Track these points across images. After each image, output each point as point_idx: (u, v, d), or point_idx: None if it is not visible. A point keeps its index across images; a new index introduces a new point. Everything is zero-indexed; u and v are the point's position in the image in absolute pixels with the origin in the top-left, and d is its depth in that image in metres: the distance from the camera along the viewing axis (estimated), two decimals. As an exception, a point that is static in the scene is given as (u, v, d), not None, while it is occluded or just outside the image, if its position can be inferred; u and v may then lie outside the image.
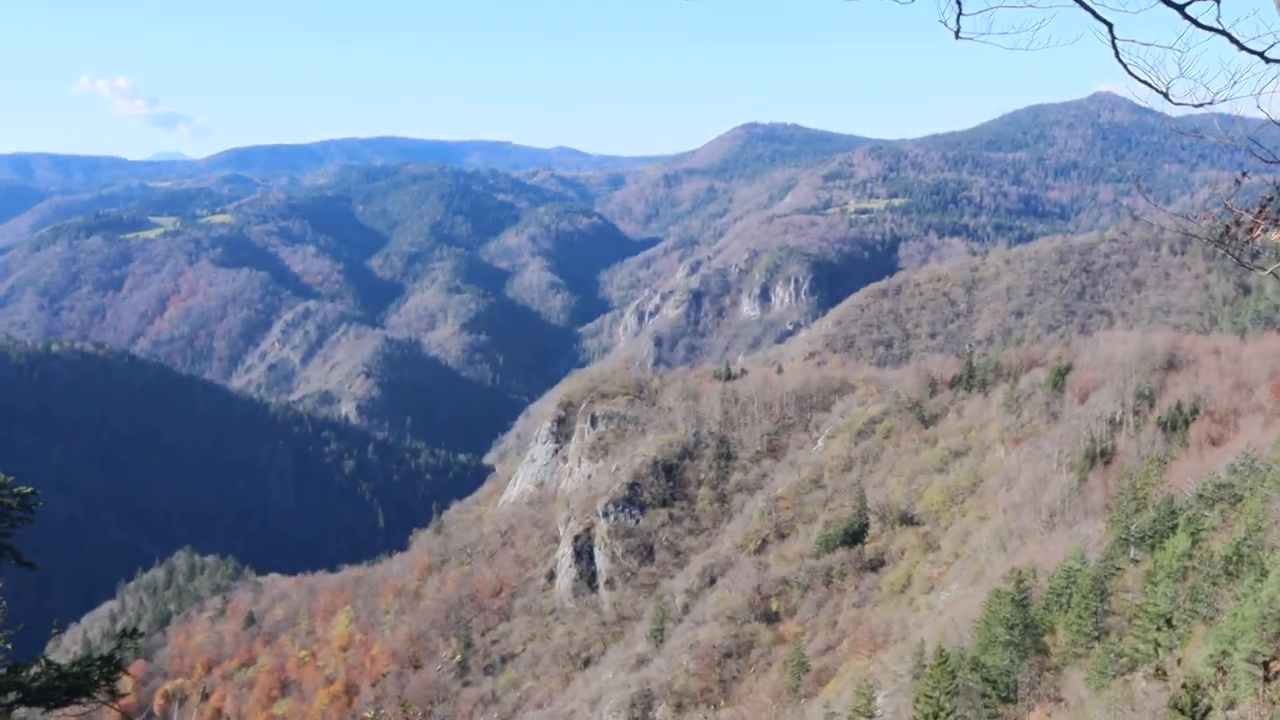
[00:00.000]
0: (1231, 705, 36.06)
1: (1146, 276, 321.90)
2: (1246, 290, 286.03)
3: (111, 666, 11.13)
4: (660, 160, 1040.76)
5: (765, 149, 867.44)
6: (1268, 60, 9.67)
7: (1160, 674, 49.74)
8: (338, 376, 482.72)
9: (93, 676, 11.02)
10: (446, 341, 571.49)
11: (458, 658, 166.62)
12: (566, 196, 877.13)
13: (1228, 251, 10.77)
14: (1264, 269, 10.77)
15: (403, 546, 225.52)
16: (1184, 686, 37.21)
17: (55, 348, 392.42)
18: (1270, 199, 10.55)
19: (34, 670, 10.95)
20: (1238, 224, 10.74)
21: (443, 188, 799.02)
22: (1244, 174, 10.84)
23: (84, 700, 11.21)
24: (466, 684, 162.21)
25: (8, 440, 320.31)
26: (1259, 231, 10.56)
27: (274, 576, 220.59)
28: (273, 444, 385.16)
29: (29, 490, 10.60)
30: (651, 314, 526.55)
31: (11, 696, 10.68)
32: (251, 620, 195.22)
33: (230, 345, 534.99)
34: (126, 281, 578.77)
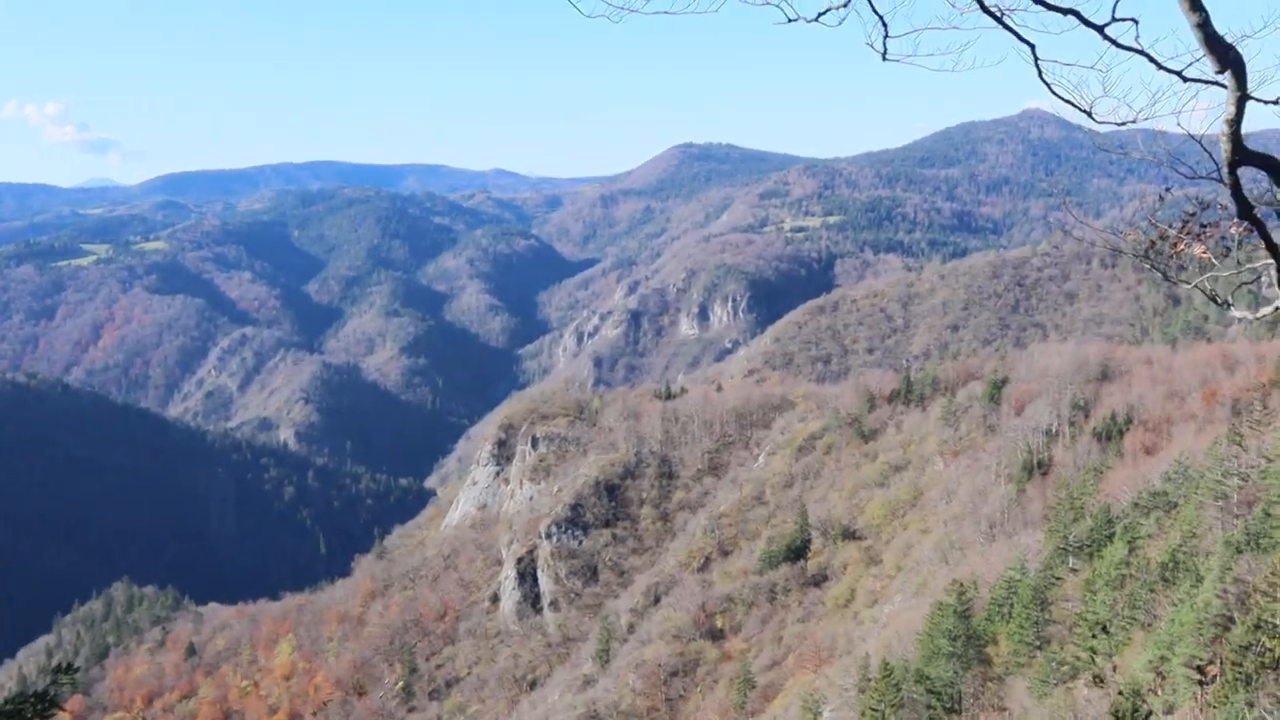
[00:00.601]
0: (1171, 710, 36.50)
1: (1079, 289, 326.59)
2: (1176, 301, 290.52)
3: (46, 703, 11.00)
4: (597, 181, 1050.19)
5: (701, 169, 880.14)
6: (1185, 80, 9.92)
7: (1098, 681, 50.25)
8: (276, 403, 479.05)
9: (26, 715, 10.88)
10: (385, 365, 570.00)
11: (402, 683, 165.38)
12: (503, 219, 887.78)
13: (1153, 266, 11.00)
14: (1188, 283, 11.00)
15: (345, 572, 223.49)
16: (1121, 694, 37.67)
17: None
18: (1192, 214, 10.79)
19: (-33, 709, 10.76)
20: (1163, 239, 10.95)
21: (379, 211, 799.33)
22: (1168, 189, 11.08)
23: (21, 738, 11.09)
24: (412, 709, 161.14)
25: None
26: (1182, 246, 10.78)
27: (214, 606, 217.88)
28: (211, 471, 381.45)
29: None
30: (590, 334, 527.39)
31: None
32: (192, 651, 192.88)
33: (166, 373, 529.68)
34: (59, 310, 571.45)
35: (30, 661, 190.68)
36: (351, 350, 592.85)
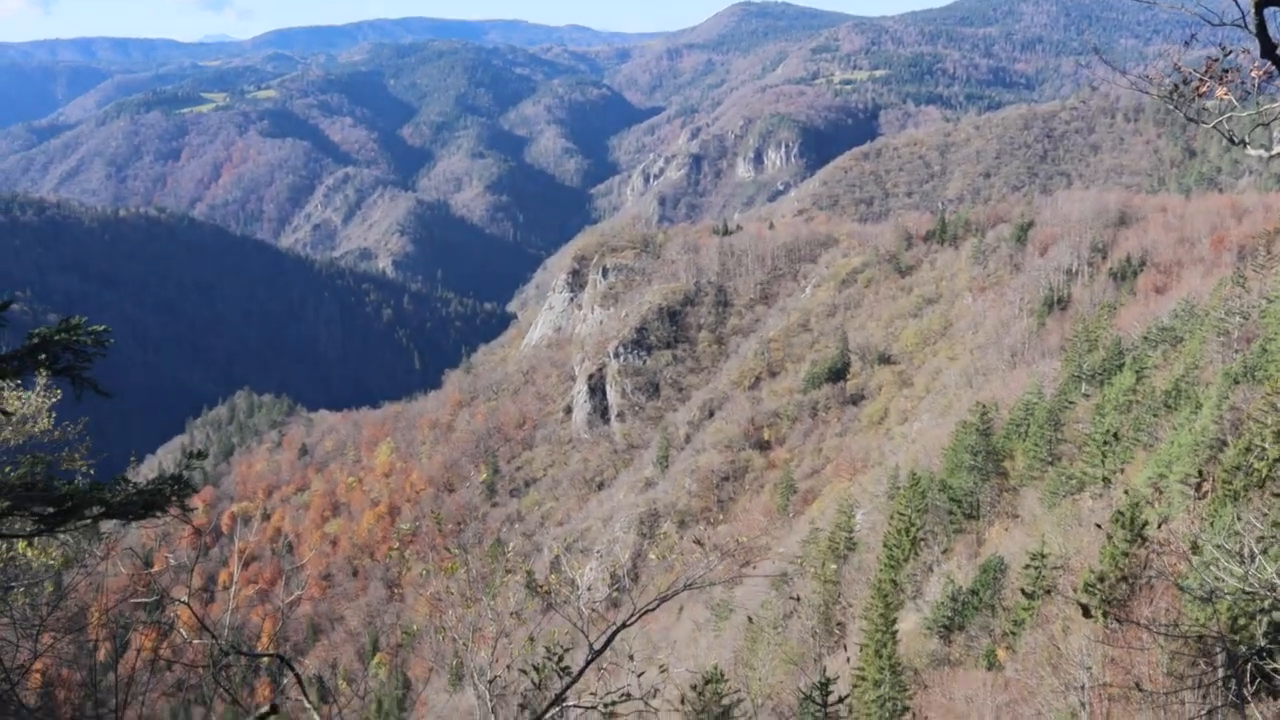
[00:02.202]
0: (1165, 520, 36.63)
1: (1102, 141, 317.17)
2: (1192, 154, 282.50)
3: (181, 485, 11.40)
4: (663, 36, 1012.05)
5: (759, 25, 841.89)
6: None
7: (1105, 481, 50.33)
8: (375, 235, 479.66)
9: (165, 493, 11.29)
10: (472, 202, 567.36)
11: (486, 480, 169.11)
12: (578, 70, 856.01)
13: (1176, 106, 10.62)
14: (1208, 124, 10.62)
15: (436, 385, 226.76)
16: (1122, 510, 37.73)
17: (123, 213, 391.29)
18: (1215, 60, 10.37)
19: (114, 488, 11.16)
20: (1185, 82, 10.56)
21: (465, 62, 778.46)
22: (1193, 36, 10.63)
23: (159, 514, 11.46)
24: (495, 505, 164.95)
25: (83, 295, 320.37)
26: (1204, 88, 10.38)
27: (323, 413, 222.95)
28: (319, 295, 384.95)
29: (101, 328, 10.70)
30: (656, 176, 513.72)
31: (95, 510, 10.90)
32: (305, 451, 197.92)
33: (279, 208, 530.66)
34: (184, 152, 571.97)
35: (168, 457, 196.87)
36: (441, 188, 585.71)
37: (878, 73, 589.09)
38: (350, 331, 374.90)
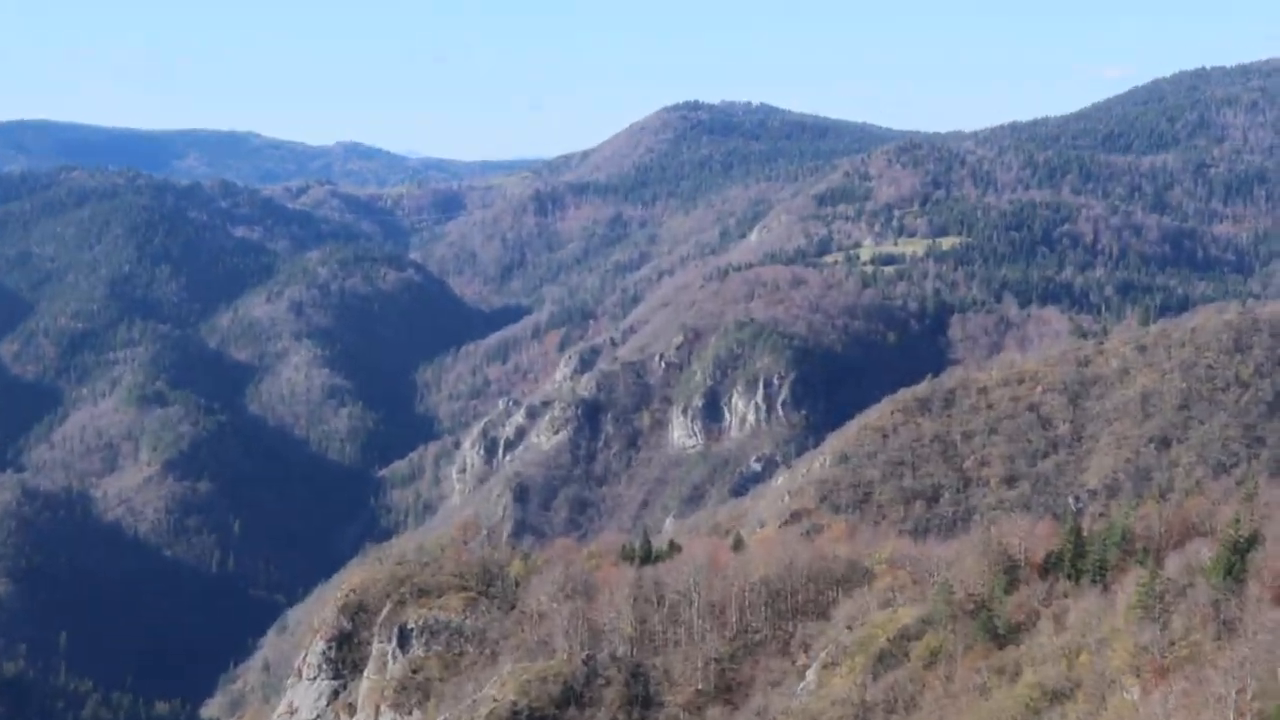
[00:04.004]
0: None
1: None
2: None
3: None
4: (526, 167, 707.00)
5: (712, 147, 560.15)
6: None
7: None
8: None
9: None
10: (137, 495, 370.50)
11: None
12: (359, 231, 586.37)
13: None
14: None
15: None
16: None
17: None
18: None
19: None
20: None
21: (136, 213, 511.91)
22: None
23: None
24: None
25: None
26: None
27: None
28: None
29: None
30: (511, 443, 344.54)
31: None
32: None
33: None
34: None
35: None
36: (76, 466, 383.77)
37: (946, 242, 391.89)
38: None
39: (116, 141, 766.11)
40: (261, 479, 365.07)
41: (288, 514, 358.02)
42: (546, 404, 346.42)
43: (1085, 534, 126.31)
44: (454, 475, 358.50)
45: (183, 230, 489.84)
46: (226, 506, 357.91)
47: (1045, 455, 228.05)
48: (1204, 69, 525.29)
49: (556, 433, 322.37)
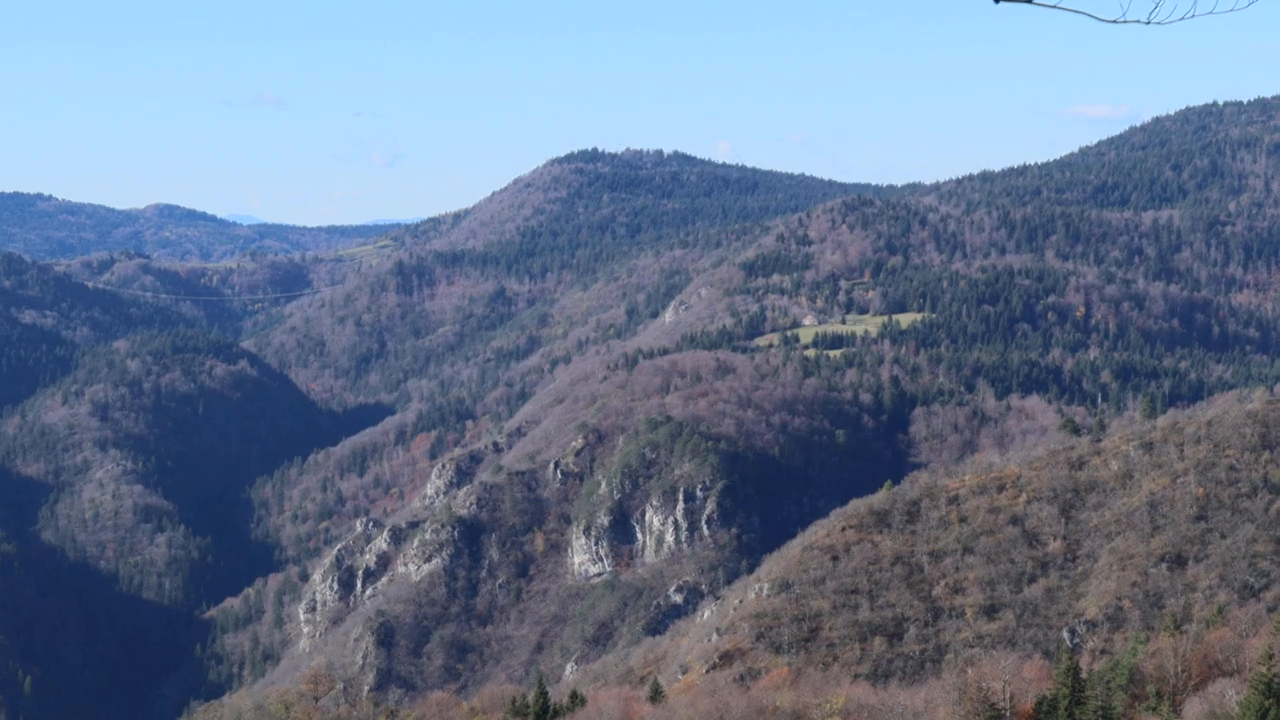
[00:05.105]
0: None
1: None
2: None
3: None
4: (385, 233, 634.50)
5: (615, 206, 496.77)
6: None
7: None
8: None
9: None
10: None
11: None
12: (177, 314, 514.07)
13: None
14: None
15: None
16: None
17: None
18: None
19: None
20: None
21: None
22: None
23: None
24: None
25: None
26: None
27: None
28: None
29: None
30: (372, 573, 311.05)
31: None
32: None
33: None
34: None
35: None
36: None
37: (904, 318, 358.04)
38: None
39: None
40: (59, 624, 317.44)
41: (92, 666, 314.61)
42: (415, 525, 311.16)
43: (1084, 675, 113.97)
44: (301, 615, 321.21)
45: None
46: (16, 659, 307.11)
47: (1033, 579, 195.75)
48: (1215, 104, 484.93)
49: (428, 560, 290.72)
